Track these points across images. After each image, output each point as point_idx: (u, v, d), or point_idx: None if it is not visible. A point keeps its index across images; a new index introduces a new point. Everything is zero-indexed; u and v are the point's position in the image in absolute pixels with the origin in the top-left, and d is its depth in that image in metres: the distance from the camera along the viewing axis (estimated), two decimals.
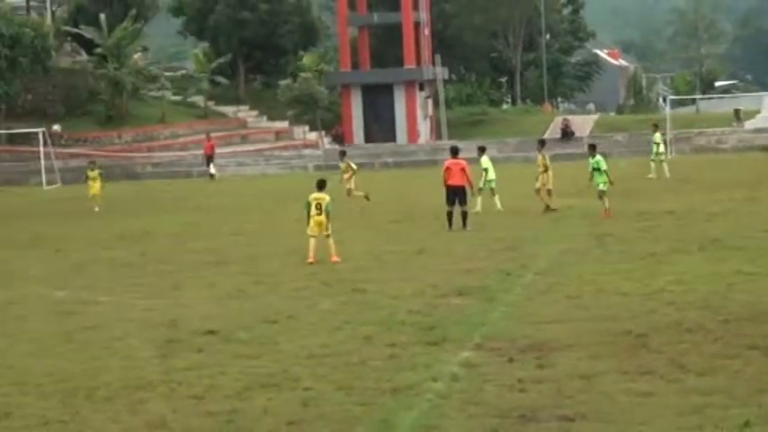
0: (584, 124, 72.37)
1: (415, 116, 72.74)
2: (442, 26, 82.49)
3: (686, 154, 57.40)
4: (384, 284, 19.65)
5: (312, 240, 22.87)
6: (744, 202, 30.76)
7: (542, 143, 34.02)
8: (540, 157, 32.34)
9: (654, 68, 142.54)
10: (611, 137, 64.99)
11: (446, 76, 77.03)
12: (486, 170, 32.09)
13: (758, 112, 69.63)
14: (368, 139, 72.10)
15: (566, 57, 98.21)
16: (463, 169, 27.38)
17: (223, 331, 15.87)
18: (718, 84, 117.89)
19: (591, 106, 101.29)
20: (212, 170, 54.52)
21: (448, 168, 27.60)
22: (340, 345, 14.72)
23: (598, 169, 29.39)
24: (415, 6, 73.72)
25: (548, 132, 70.19)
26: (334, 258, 22.73)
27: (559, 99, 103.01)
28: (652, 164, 42.35)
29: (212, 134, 59.41)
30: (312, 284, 20.05)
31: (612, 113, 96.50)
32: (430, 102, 74.99)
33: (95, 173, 38.79)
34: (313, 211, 22.85)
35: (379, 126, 72.35)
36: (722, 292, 17.12)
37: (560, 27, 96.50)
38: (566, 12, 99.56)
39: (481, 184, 31.21)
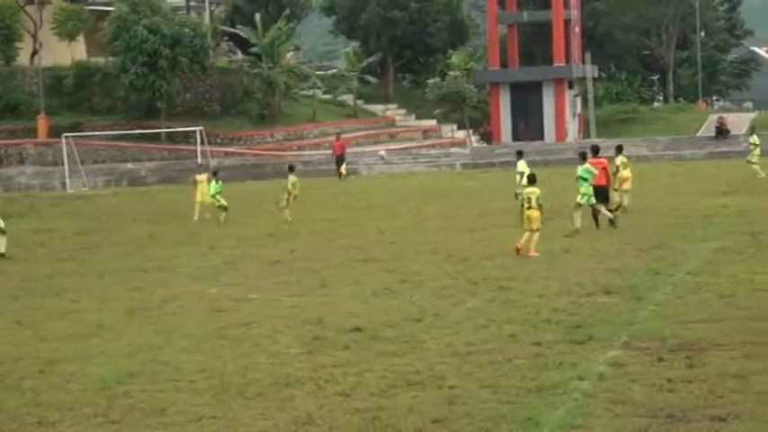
0: (740, 122, 70.66)
1: (564, 114, 72.08)
2: (592, 24, 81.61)
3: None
4: (529, 283, 19.53)
5: (526, 234, 23.04)
6: None
7: (619, 149, 32.82)
8: (618, 160, 31.55)
9: None
10: None
11: (596, 74, 76.13)
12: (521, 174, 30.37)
13: None
14: (515, 137, 71.72)
15: (721, 54, 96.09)
16: (605, 168, 27.09)
17: (369, 329, 15.98)
18: None
19: (748, 104, 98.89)
20: (343, 170, 54.55)
21: (598, 168, 27.39)
22: (485, 343, 14.68)
23: (583, 178, 26.76)
24: (566, 4, 73.06)
25: (701, 130, 68.81)
26: (533, 254, 22.80)
27: (714, 97, 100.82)
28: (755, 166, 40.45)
29: (361, 133, 59.63)
30: (457, 283, 20.04)
31: None
32: (579, 100, 74.20)
33: (203, 176, 36.83)
34: (525, 205, 23.34)
35: (528, 124, 71.92)
36: None
37: (716, 25, 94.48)
38: (721, 9, 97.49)
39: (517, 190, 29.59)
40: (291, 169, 35.80)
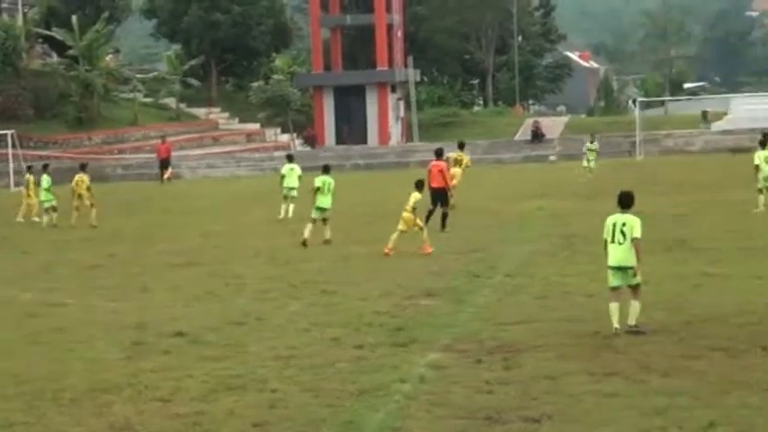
0: (554, 126, 72.62)
1: (387, 118, 72.82)
2: (414, 28, 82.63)
3: (654, 155, 57.67)
4: (351, 286, 19.65)
5: (395, 234, 23.53)
6: (709, 204, 30.91)
7: (461, 146, 34.81)
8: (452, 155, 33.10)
9: (624, 70, 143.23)
10: (581, 138, 65.19)
11: (418, 78, 77.14)
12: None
13: (725, 114, 70.00)
14: (339, 140, 72.09)
15: (537, 59, 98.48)
16: (441, 171, 27.51)
17: (190, 333, 15.82)
18: (686, 86, 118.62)
19: (562, 108, 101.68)
20: (167, 174, 53.92)
21: (429, 170, 27.80)
22: (307, 346, 14.71)
23: None
24: (388, 8, 73.78)
25: (518, 134, 70.41)
26: (427, 249, 23.48)
27: (531, 101, 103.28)
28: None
29: (184, 136, 59.10)
30: (280, 286, 20.03)
31: (583, 115, 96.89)
32: (401, 104, 75.05)
33: (31, 177, 35.39)
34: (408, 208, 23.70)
35: (351, 128, 72.36)
36: (686, 293, 17.23)
37: (532, 29, 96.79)
38: (537, 14, 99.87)
39: None
40: (83, 168, 34.90)
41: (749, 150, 44.65)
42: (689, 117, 71.84)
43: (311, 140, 72.71)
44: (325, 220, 25.96)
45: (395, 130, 73.89)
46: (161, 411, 11.85)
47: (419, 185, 24.02)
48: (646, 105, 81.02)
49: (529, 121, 72.41)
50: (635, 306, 14.48)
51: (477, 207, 31.97)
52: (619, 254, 14.61)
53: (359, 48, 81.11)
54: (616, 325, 14.33)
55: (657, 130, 64.40)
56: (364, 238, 26.76)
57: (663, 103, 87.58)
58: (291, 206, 31.96)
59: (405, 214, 23.62)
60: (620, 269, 14.57)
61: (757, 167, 28.94)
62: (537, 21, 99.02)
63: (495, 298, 17.88)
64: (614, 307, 14.46)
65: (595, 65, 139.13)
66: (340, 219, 31.82)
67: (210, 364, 13.89)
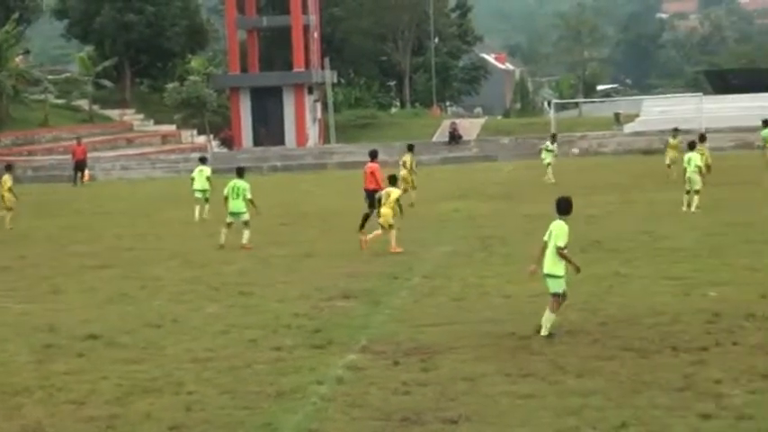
0: (471, 128, 73.00)
1: (304, 119, 72.69)
2: (331, 30, 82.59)
3: (569, 157, 58.22)
4: (270, 288, 19.58)
5: (387, 231, 23.63)
6: (621, 205, 31.32)
7: (410, 148, 35.63)
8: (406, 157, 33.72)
9: (539, 72, 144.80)
10: (499, 140, 65.72)
11: (335, 80, 77.09)
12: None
13: (637, 115, 70.88)
14: (256, 142, 71.82)
15: (454, 60, 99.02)
16: (373, 173, 27.61)
17: (104, 336, 15.64)
18: (600, 87, 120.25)
19: (478, 110, 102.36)
20: (84, 176, 53.19)
21: (364, 172, 28.04)
22: (224, 349, 14.62)
23: None
24: (304, 10, 73.65)
25: (436, 136, 70.67)
26: (394, 249, 23.48)
27: (448, 103, 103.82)
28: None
29: (97, 138, 58.41)
30: (197, 288, 19.88)
31: (499, 117, 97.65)
32: (319, 105, 74.98)
33: None
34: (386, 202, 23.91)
35: (268, 129, 72.14)
36: (600, 294, 17.40)
37: (448, 31, 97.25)
38: (454, 16, 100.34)
39: None
40: (8, 168, 34.34)
41: (660, 152, 45.43)
42: (603, 119, 72.69)
43: (228, 142, 72.32)
44: (246, 224, 25.46)
45: (312, 132, 73.79)
46: (74, 414, 11.70)
47: (392, 180, 24.44)
48: (561, 107, 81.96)
49: (446, 123, 72.68)
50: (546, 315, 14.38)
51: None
52: (545, 261, 14.41)
53: (276, 49, 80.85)
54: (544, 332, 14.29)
55: (572, 131, 65.04)
56: (282, 240, 26.68)
57: (577, 104, 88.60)
58: (207, 207, 31.74)
59: (384, 210, 23.68)
60: (545, 276, 14.46)
61: (685, 170, 29.40)
62: (453, 22, 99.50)
63: (412, 299, 17.92)
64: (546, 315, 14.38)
65: (511, 66, 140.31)
66: (258, 221, 31.69)
67: (125, 366, 13.74)
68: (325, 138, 74.22)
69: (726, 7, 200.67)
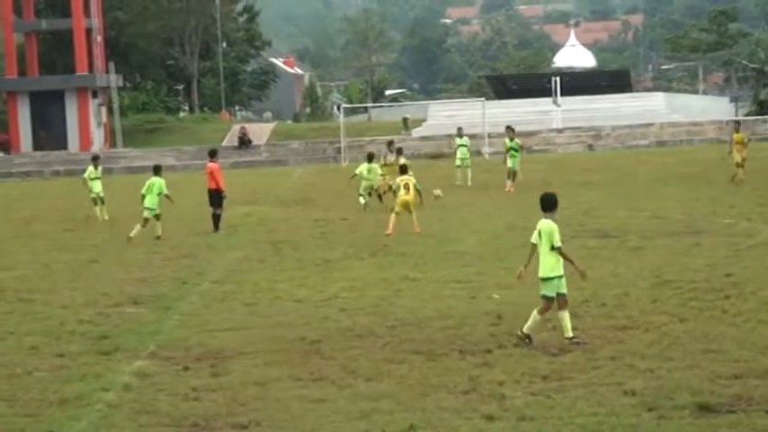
0: (261, 132, 72.92)
1: (88, 123, 71.16)
2: (115, 33, 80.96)
3: (359, 161, 58.66)
4: (53, 294, 19.08)
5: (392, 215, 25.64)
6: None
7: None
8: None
9: (329, 76, 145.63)
10: (289, 144, 65.83)
11: (120, 84, 75.72)
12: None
13: (424, 120, 72.19)
14: (37, 146, 69.92)
15: (242, 65, 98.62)
16: (212, 173, 27.80)
17: None
18: (388, 92, 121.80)
19: (268, 114, 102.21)
20: None
21: (205, 173, 28.36)
22: (2, 356, 14.16)
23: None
24: (86, 13, 72.07)
25: (225, 140, 70.26)
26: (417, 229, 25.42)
27: (237, 107, 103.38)
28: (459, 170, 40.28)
29: None
30: None
31: (289, 121, 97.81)
32: (104, 109, 73.49)
33: None
34: (402, 191, 25.95)
35: (49, 133, 70.31)
36: (390, 298, 17.57)
37: (236, 35, 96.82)
38: (241, 20, 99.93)
39: None
40: None
41: (447, 156, 46.33)
42: (391, 123, 73.69)
43: (5, 146, 70.16)
44: (157, 217, 26.98)
45: (97, 136, 72.26)
46: None
47: (403, 169, 26.63)
48: (350, 112, 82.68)
49: (236, 128, 72.42)
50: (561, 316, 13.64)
51: (186, 214, 31.64)
52: (540, 263, 13.67)
53: (57, 53, 78.82)
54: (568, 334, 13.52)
55: (362, 136, 65.71)
56: (67, 246, 26.05)
57: (366, 109, 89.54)
58: None
59: (405, 197, 25.67)
60: (541, 280, 13.67)
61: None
62: (241, 26, 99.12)
63: (202, 305, 17.75)
64: (561, 315, 13.56)
65: (300, 71, 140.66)
66: (40, 226, 30.89)
67: None
68: (111, 142, 72.80)
69: (505, 13, 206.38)
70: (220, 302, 17.91)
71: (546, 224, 13.60)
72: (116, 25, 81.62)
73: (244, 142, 65.93)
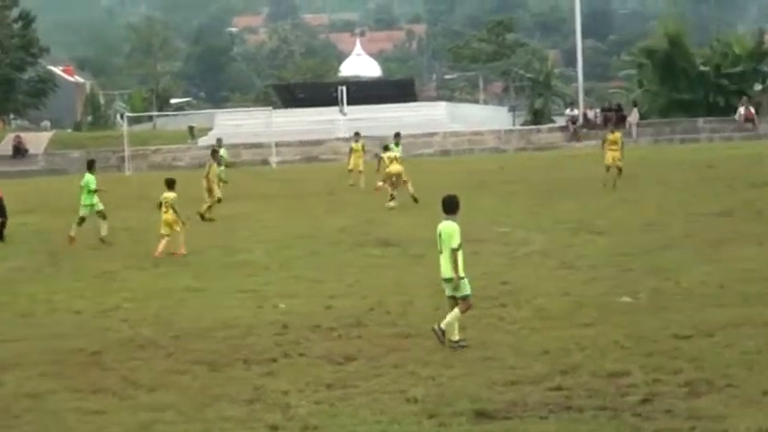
0: (38, 141, 71.07)
1: None
2: None
3: (143, 171, 57.91)
4: None
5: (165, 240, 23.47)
6: (192, 219, 30.98)
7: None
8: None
9: (111, 85, 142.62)
10: (69, 154, 64.25)
11: None
12: None
13: (211, 129, 71.65)
14: None
15: (18, 73, 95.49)
16: None
17: None
18: (173, 101, 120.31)
19: (46, 123, 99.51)
20: None
21: None
22: None
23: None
24: None
25: None
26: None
27: (12, 115, 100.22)
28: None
29: None
30: None
31: (69, 130, 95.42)
32: None
33: None
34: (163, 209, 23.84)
35: None
36: (172, 308, 17.28)
37: (11, 42, 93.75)
38: (16, 27, 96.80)
39: None
40: None
41: (236, 166, 45.91)
42: (177, 132, 72.80)
43: None
44: (100, 214, 26.36)
45: None
46: None
47: (170, 184, 24.25)
48: (134, 120, 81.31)
49: (10, 136, 70.38)
50: (452, 315, 13.49)
51: None
52: (442, 264, 13.57)
53: None
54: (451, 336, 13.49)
55: (146, 145, 64.68)
56: None
57: (151, 118, 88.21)
58: None
59: (164, 216, 23.64)
60: (445, 280, 13.59)
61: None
62: (16, 33, 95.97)
63: None
64: (453, 315, 13.47)
65: (81, 79, 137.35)
66: None
67: None
68: None
69: (291, 22, 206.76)
70: None
71: (447, 225, 13.57)
72: None
73: (19, 151, 64.07)
